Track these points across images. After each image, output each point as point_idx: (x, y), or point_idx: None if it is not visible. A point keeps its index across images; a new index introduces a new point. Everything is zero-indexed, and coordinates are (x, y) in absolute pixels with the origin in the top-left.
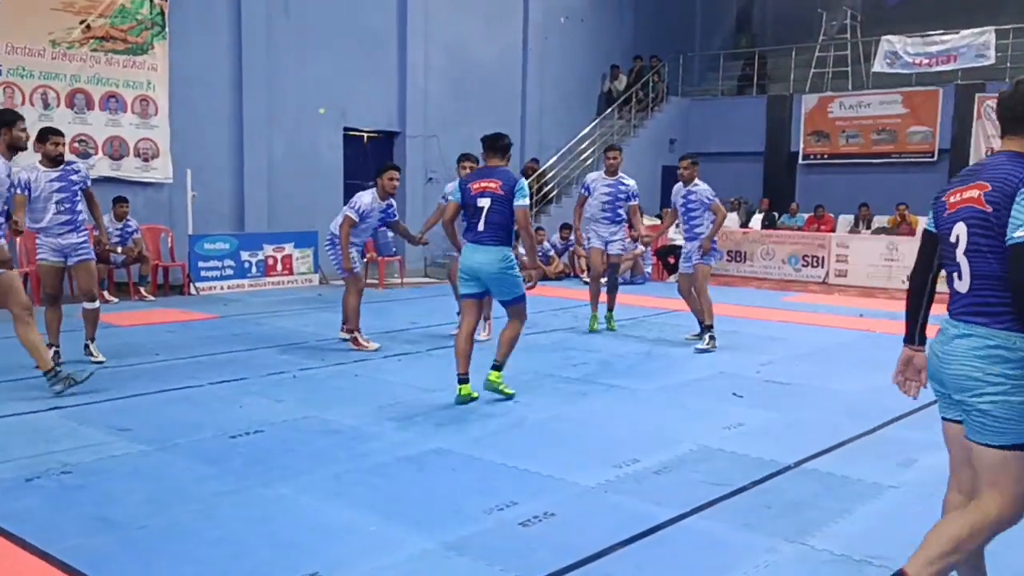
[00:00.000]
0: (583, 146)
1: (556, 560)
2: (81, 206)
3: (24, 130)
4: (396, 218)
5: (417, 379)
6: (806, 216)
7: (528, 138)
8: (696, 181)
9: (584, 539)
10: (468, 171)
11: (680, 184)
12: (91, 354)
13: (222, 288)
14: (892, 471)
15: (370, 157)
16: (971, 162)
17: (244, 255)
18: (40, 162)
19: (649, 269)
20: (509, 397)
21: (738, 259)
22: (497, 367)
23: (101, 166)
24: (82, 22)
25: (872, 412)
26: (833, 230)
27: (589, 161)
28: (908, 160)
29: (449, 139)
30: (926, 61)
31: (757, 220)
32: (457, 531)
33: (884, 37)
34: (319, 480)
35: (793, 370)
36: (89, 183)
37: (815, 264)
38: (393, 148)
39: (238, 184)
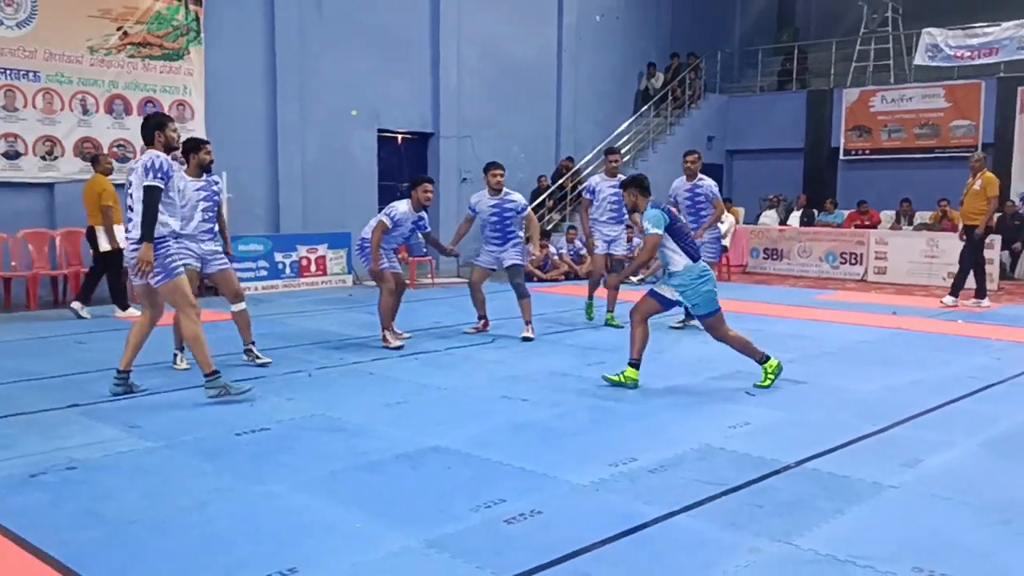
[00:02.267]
0: (619, 143)
1: (533, 558)
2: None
3: (176, 130)
4: (428, 229)
5: (429, 378)
6: (846, 213)
7: (563, 137)
8: (700, 176)
9: (566, 537)
10: (498, 179)
11: (683, 179)
12: (256, 356)
13: (256, 289)
14: (894, 471)
15: (404, 158)
16: (1015, 157)
17: (278, 256)
18: (186, 170)
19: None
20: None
21: (774, 257)
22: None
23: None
24: (119, 29)
25: (884, 412)
26: (877, 226)
27: (626, 159)
28: (951, 155)
29: (483, 139)
30: (968, 54)
31: (795, 217)
32: (441, 529)
33: (925, 30)
34: (314, 477)
35: (811, 369)
36: (222, 196)
37: (853, 261)
38: (427, 149)
39: (273, 186)
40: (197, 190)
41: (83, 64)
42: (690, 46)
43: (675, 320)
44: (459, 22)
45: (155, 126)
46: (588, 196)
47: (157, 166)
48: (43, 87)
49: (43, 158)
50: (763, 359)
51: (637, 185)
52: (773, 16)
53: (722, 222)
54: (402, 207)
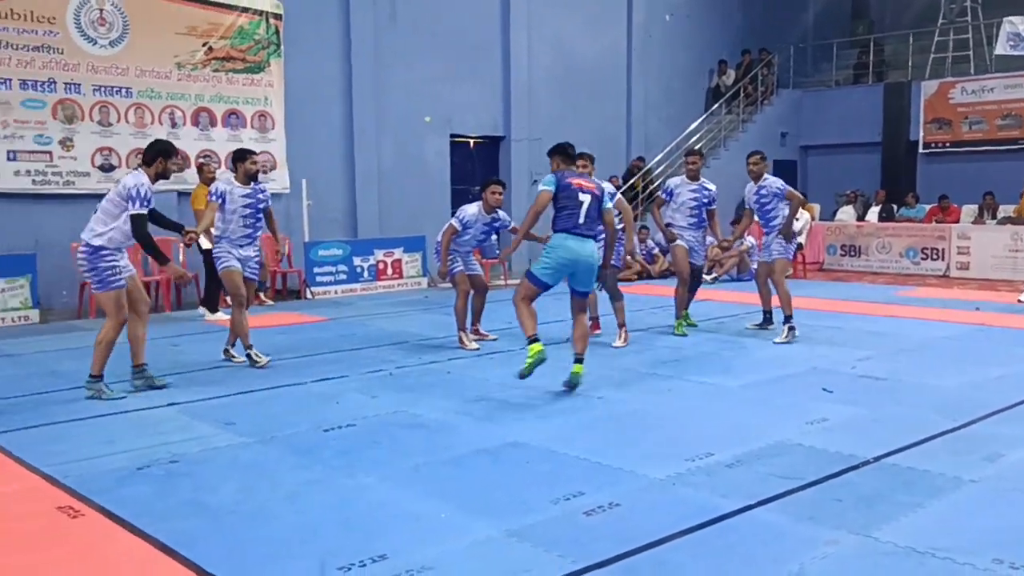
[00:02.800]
0: (691, 142)
1: (613, 547)
2: (260, 224)
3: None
4: (510, 225)
5: (506, 376)
6: (927, 207)
7: (634, 136)
8: (765, 176)
9: (645, 528)
10: (498, 197)
11: (751, 183)
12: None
13: (336, 292)
14: (974, 466)
15: (476, 162)
16: None
17: (356, 260)
18: (236, 177)
19: (755, 266)
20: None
21: (852, 253)
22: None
23: (224, 179)
24: (205, 44)
25: (965, 408)
26: (958, 220)
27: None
28: None
29: (554, 141)
30: None
31: (874, 213)
32: (521, 520)
33: (1006, 19)
34: (399, 471)
35: (891, 365)
36: (270, 203)
37: (935, 257)
38: (498, 152)
39: (350, 192)
40: (243, 196)
41: (171, 79)
42: (762, 42)
43: (751, 323)
44: (529, 26)
45: (160, 151)
46: (664, 196)
47: (143, 195)
48: (135, 102)
49: (135, 170)
50: (531, 340)
51: (559, 152)
52: (847, 8)
53: (798, 218)
54: (471, 209)
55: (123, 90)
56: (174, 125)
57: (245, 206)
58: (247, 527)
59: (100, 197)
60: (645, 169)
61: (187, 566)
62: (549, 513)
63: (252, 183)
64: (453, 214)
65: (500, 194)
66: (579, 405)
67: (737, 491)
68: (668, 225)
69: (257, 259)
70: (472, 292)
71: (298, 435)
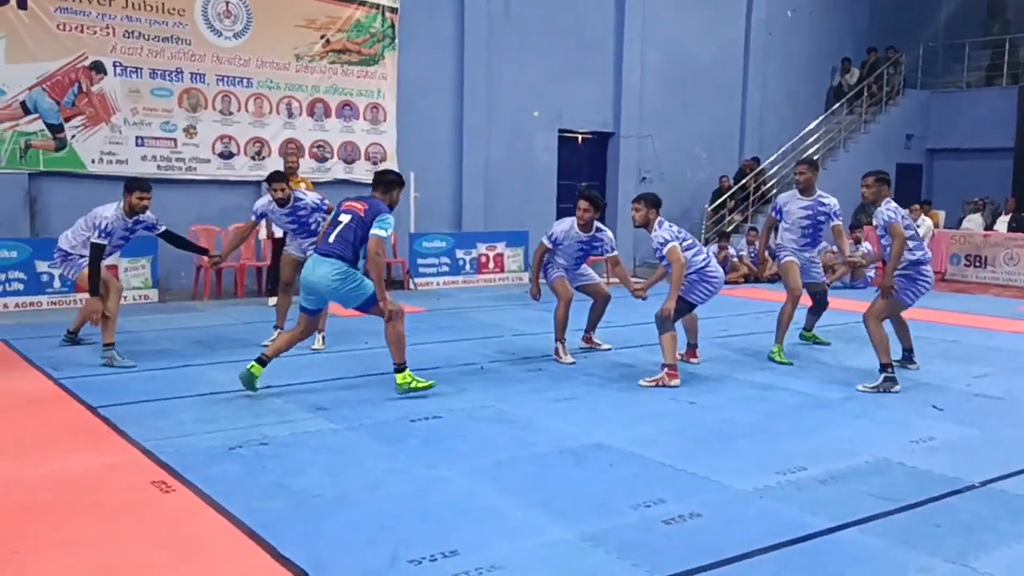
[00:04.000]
0: (808, 142)
1: (690, 559)
2: (314, 223)
3: (141, 199)
4: (611, 254)
5: (599, 377)
6: None
7: (747, 136)
8: (887, 200)
9: (725, 542)
10: (583, 213)
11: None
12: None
13: (438, 284)
14: None
15: (584, 158)
16: None
17: (459, 253)
18: (274, 199)
19: (872, 273)
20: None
21: (977, 264)
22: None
23: (336, 169)
24: (322, 37)
25: None
26: None
27: (815, 157)
28: None
29: (664, 138)
30: None
31: (1003, 222)
32: (598, 524)
33: None
34: (480, 465)
35: (1010, 384)
36: (325, 206)
37: None
38: (607, 149)
39: (457, 185)
40: (284, 214)
41: (289, 70)
42: (889, 39)
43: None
44: (644, 21)
45: (127, 188)
46: (774, 214)
47: (103, 227)
48: (254, 92)
49: (252, 158)
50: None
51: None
52: (982, 6)
53: (918, 225)
54: (563, 225)
55: (244, 80)
56: (290, 115)
57: (290, 221)
58: (326, 513)
59: (219, 183)
60: (758, 170)
61: (264, 548)
62: (627, 519)
63: (289, 204)
64: (558, 209)
65: (587, 210)
66: (669, 410)
67: (828, 509)
68: (777, 247)
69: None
70: (592, 300)
71: (386, 424)
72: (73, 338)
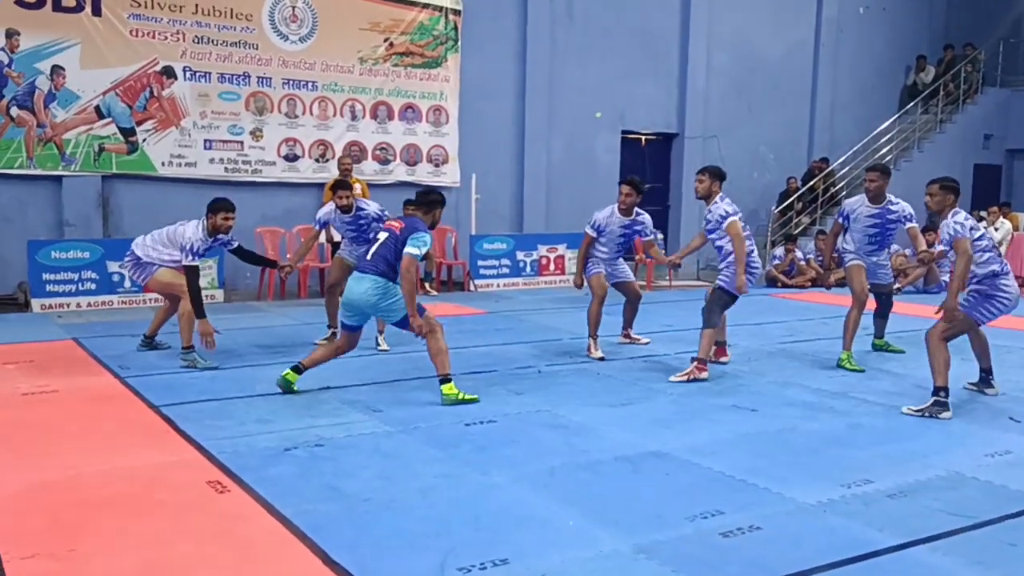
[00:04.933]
0: (880, 143)
1: (748, 574)
2: (372, 233)
3: (227, 219)
4: (649, 237)
5: (656, 382)
6: None
7: (816, 137)
8: (956, 210)
9: (785, 557)
10: (625, 198)
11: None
12: (378, 344)
13: (498, 286)
14: None
15: (647, 159)
16: None
17: (520, 255)
18: (338, 207)
19: (947, 277)
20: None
21: None
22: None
23: (398, 171)
24: (386, 40)
25: None
26: None
27: (887, 158)
28: None
29: (730, 140)
30: None
31: None
32: (653, 535)
33: None
34: (534, 471)
35: None
36: (385, 217)
37: None
38: (670, 150)
39: (518, 187)
40: (345, 222)
41: (353, 73)
42: (967, 36)
43: (968, 382)
44: (710, 21)
45: (211, 209)
46: (841, 220)
47: (193, 248)
48: (319, 95)
49: (316, 160)
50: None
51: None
52: None
53: (996, 228)
54: (603, 212)
55: (309, 84)
56: (354, 118)
57: (351, 229)
58: (377, 517)
59: (284, 186)
60: (827, 171)
61: (314, 551)
62: (683, 530)
63: (353, 211)
64: None
65: (629, 195)
66: (728, 417)
67: (896, 525)
68: (843, 250)
69: None
70: (624, 299)
71: (440, 427)
72: (150, 342)
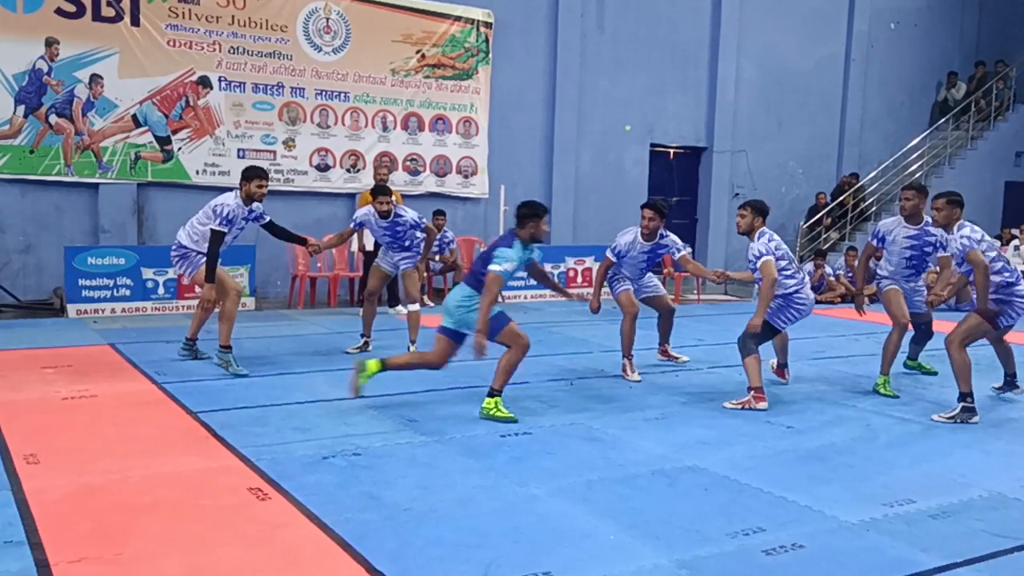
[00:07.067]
0: (911, 159)
1: None
2: (408, 240)
3: (260, 186)
4: (682, 252)
5: (689, 396)
6: None
7: (846, 152)
8: (962, 223)
9: (829, 575)
10: (647, 223)
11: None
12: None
13: (525, 297)
14: None
15: (675, 173)
16: None
17: (547, 267)
18: (377, 212)
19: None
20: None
21: None
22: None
23: (428, 182)
24: (418, 52)
25: None
26: None
27: (917, 175)
28: None
29: (759, 154)
30: None
31: None
32: (694, 550)
33: None
34: (572, 484)
35: None
36: (422, 225)
37: None
38: (699, 164)
39: (546, 199)
40: (381, 227)
41: (385, 85)
42: (999, 53)
43: (994, 385)
44: (740, 36)
45: (244, 177)
46: (875, 243)
47: (225, 214)
48: (351, 106)
49: (348, 170)
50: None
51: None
52: None
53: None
54: (626, 237)
55: (341, 94)
56: (385, 129)
57: (387, 233)
58: (417, 526)
59: (315, 195)
60: (857, 186)
61: (357, 560)
62: (725, 547)
63: (391, 218)
64: None
65: (652, 219)
66: (765, 432)
67: (940, 546)
68: (877, 274)
69: (409, 257)
70: (658, 314)
71: (475, 438)
72: (191, 346)
